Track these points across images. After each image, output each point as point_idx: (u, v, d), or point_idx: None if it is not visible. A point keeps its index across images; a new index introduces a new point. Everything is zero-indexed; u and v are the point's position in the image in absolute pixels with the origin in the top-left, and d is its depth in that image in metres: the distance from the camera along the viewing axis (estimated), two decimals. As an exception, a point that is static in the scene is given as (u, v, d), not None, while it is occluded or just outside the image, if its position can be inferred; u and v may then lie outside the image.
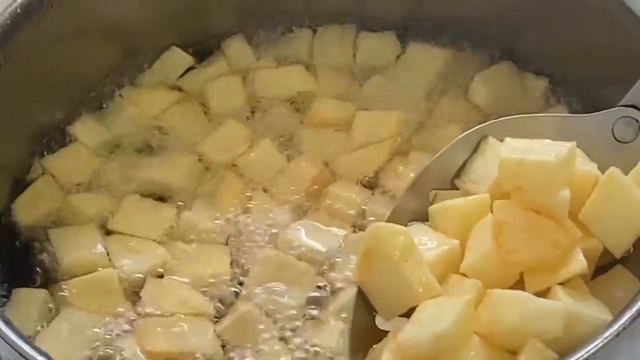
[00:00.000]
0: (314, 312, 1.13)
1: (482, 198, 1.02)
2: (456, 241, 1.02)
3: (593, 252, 0.99)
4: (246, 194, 1.23)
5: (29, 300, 1.13)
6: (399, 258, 0.97)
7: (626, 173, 1.00)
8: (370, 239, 0.99)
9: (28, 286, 1.15)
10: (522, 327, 0.91)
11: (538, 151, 0.98)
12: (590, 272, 0.99)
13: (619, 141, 1.07)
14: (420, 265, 0.99)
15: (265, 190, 1.23)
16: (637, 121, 1.06)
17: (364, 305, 1.03)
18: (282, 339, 1.10)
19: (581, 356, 0.88)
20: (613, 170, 0.98)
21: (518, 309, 0.92)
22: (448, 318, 0.92)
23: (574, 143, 0.99)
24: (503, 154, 0.99)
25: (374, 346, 1.01)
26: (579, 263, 0.96)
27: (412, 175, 1.20)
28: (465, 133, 1.10)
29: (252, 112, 1.30)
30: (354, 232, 1.19)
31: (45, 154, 1.27)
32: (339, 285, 1.14)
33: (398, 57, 1.34)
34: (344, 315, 1.11)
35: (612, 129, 1.07)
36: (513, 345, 0.93)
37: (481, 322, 0.93)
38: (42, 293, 1.14)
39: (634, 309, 0.90)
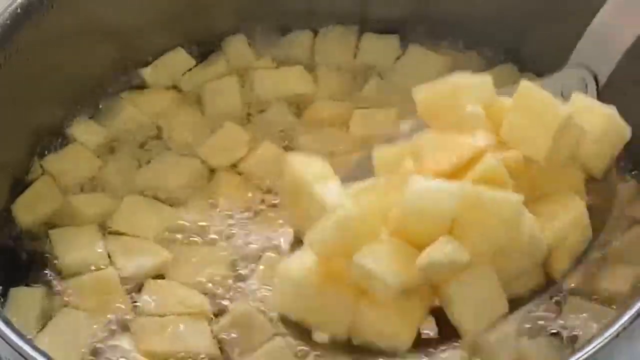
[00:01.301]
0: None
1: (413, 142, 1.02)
2: (384, 177, 1.01)
3: (513, 160, 0.97)
4: (247, 195, 1.23)
5: (28, 299, 1.13)
6: (313, 179, 0.97)
7: None
8: (287, 168, 0.99)
9: (28, 286, 1.15)
10: (415, 207, 0.90)
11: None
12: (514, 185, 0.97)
13: None
14: (336, 186, 0.98)
15: (266, 192, 1.23)
16: (585, 80, 1.06)
17: None
18: (280, 338, 1.10)
19: (581, 356, 0.88)
20: (524, 82, 0.98)
21: (412, 190, 0.90)
22: (349, 201, 0.92)
23: (488, 76, 1.01)
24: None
25: None
26: (485, 161, 0.93)
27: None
28: None
29: (249, 114, 1.30)
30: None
31: (45, 154, 1.27)
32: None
33: (397, 59, 1.33)
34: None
35: (562, 92, 1.07)
36: (420, 233, 0.91)
37: (388, 214, 0.93)
38: (41, 292, 1.14)
39: (634, 309, 0.91)
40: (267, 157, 1.25)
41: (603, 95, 1.20)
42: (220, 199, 1.22)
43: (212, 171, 1.25)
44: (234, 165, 1.25)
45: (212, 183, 1.24)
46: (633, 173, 1.20)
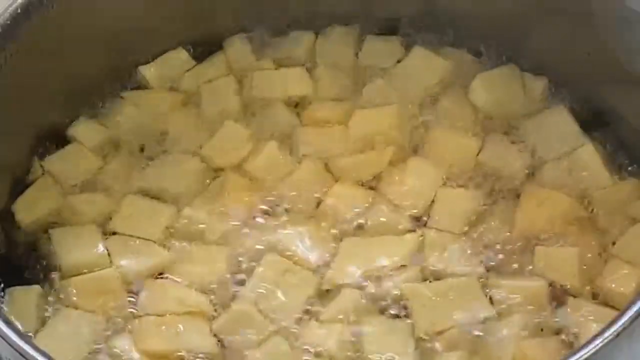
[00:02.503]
0: (312, 314, 1.13)
1: None
2: None
3: None
4: (250, 195, 1.22)
5: (28, 299, 1.13)
6: None
7: None
8: None
9: (28, 286, 1.15)
10: None
11: None
12: None
13: None
14: None
15: (268, 192, 1.22)
16: None
17: None
18: (279, 338, 1.10)
19: (581, 356, 0.88)
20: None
21: None
22: None
23: None
24: None
25: None
26: None
27: (410, 178, 1.20)
28: None
29: (248, 114, 1.30)
30: (354, 234, 1.19)
31: (46, 154, 1.27)
32: (337, 287, 1.14)
33: (399, 60, 1.33)
34: (341, 317, 1.11)
35: None
36: None
37: None
38: (41, 292, 1.14)
39: (634, 309, 0.90)
40: (272, 158, 1.24)
41: (602, 95, 1.21)
42: (224, 199, 1.21)
43: (214, 171, 1.25)
44: (238, 166, 1.25)
45: (216, 183, 1.24)
46: (633, 172, 1.20)
